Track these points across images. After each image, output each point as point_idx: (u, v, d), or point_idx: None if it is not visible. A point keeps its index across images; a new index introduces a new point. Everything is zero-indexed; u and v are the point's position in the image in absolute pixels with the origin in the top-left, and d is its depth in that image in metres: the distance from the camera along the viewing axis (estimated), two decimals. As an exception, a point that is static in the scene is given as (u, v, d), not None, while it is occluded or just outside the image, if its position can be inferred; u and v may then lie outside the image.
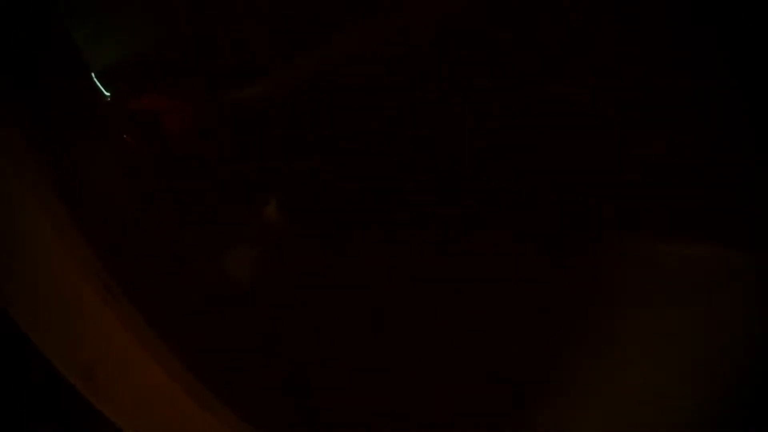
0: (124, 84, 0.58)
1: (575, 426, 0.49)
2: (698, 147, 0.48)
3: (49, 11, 0.52)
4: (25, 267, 0.37)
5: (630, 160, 0.50)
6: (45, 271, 0.38)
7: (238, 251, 0.58)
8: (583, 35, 0.49)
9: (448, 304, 0.53)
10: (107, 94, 0.58)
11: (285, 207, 0.59)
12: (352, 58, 0.56)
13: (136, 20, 0.58)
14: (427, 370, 0.52)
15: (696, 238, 0.48)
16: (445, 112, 0.53)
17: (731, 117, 0.46)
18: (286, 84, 0.58)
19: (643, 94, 0.49)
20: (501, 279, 0.52)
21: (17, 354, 0.36)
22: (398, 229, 0.55)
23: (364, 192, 0.56)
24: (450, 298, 0.53)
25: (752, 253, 0.46)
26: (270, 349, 0.51)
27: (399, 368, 0.52)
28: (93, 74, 0.58)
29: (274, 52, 0.57)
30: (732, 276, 0.46)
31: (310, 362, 0.51)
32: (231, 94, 0.58)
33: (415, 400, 0.50)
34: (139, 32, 0.58)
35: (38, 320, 0.36)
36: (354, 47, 0.56)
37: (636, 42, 0.47)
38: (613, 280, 0.50)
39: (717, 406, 0.45)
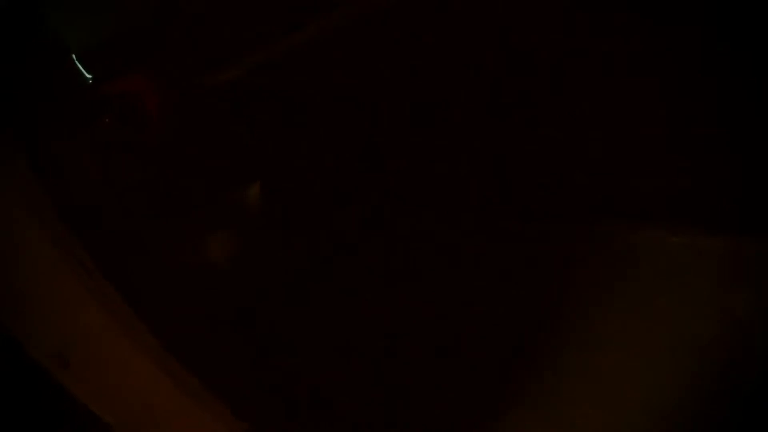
0: (102, 66, 0.57)
1: (554, 421, 0.48)
2: (669, 135, 0.48)
3: None
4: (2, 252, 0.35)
5: (601, 148, 0.50)
6: (19, 252, 0.36)
7: (218, 234, 0.57)
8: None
9: (424, 294, 0.52)
10: (89, 76, 0.57)
11: (264, 190, 0.58)
12: (328, 42, 0.55)
13: (114, 2, 0.57)
14: (407, 371, 0.51)
15: (669, 223, 0.48)
16: (418, 97, 0.53)
17: (706, 107, 0.46)
18: (264, 67, 0.57)
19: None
20: (475, 268, 0.51)
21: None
22: (378, 212, 0.54)
23: (344, 175, 0.55)
24: (427, 287, 0.52)
25: (726, 239, 0.46)
26: (250, 333, 0.50)
27: (374, 360, 0.51)
28: (74, 57, 0.57)
29: (253, 35, 0.56)
30: (705, 261, 0.45)
31: (289, 346, 0.50)
32: (210, 77, 0.57)
33: (396, 401, 0.50)
34: (118, 14, 0.57)
35: (9, 301, 0.34)
36: (330, 30, 0.55)
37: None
38: (588, 268, 0.49)
39: (697, 392, 0.44)
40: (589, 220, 0.50)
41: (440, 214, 0.54)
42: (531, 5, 0.49)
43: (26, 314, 0.35)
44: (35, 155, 0.46)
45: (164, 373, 0.37)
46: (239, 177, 0.57)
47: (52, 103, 0.53)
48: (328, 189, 0.55)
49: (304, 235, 0.55)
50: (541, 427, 0.46)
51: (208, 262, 0.55)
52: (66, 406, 0.35)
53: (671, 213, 0.48)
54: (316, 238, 0.55)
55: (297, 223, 0.56)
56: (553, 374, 0.48)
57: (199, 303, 0.48)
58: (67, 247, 0.39)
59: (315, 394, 0.50)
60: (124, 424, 0.33)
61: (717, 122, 0.46)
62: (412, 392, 0.49)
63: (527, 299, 0.50)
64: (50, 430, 0.36)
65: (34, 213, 0.39)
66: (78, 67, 0.57)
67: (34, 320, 0.35)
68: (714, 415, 0.43)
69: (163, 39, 0.57)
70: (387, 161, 0.56)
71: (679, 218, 0.47)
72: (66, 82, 0.56)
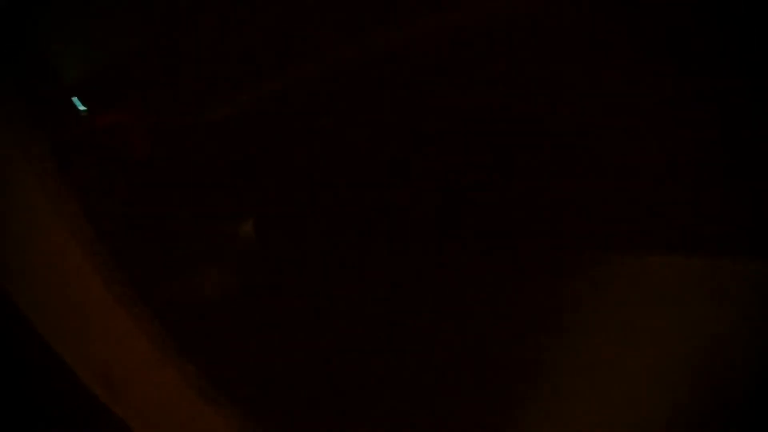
0: (95, 100, 0.57)
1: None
2: (676, 152, 0.49)
3: (22, 24, 0.51)
4: (41, 270, 0.37)
5: (608, 166, 0.51)
6: (60, 272, 0.38)
7: (210, 270, 0.59)
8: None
9: (440, 292, 0.55)
10: (83, 108, 0.57)
11: (258, 227, 0.60)
12: (326, 75, 0.56)
13: (108, 33, 0.58)
14: (412, 372, 0.53)
15: (649, 246, 0.50)
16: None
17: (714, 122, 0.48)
18: (260, 101, 0.58)
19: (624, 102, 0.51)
20: (482, 288, 0.54)
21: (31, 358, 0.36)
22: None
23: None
24: (442, 285, 0.55)
25: (706, 258, 0.48)
26: (267, 339, 0.52)
27: (394, 360, 0.53)
28: (67, 89, 0.57)
29: (248, 69, 0.57)
30: (688, 281, 0.48)
31: (306, 352, 0.52)
32: (204, 111, 0.58)
33: (404, 402, 0.52)
34: (112, 46, 0.58)
35: (54, 322, 0.36)
36: (329, 63, 0.56)
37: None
38: (574, 296, 0.51)
39: (689, 412, 0.46)
40: (572, 246, 0.52)
41: (436, 240, 0.56)
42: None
43: (72, 336, 0.37)
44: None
45: (197, 392, 0.39)
46: (232, 213, 0.59)
47: (55, 136, 0.53)
48: (323, 226, 0.57)
49: (298, 272, 0.57)
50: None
51: (202, 298, 0.56)
52: (105, 425, 0.37)
53: (651, 235, 0.50)
54: (309, 274, 0.57)
55: (290, 260, 0.58)
56: (545, 405, 0.50)
57: (226, 316, 0.51)
58: (106, 270, 0.41)
59: (321, 404, 0.52)
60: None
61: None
62: (425, 388, 0.52)
63: (516, 328, 0.52)
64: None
65: (74, 236, 0.41)
66: (72, 100, 0.57)
67: (80, 341, 0.37)
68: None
69: (155, 73, 0.58)
70: (384, 196, 0.57)
71: (659, 240, 0.49)
72: (59, 114, 0.56)
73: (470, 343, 0.52)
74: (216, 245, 0.59)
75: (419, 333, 0.53)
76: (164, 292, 0.47)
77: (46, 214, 0.40)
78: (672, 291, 0.48)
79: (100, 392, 0.36)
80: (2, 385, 0.35)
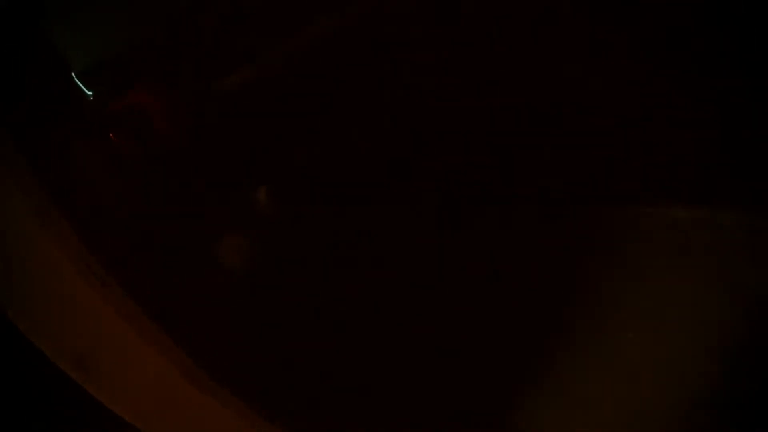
0: (105, 83, 0.57)
1: (570, 407, 0.49)
2: (678, 112, 0.48)
3: (28, 11, 0.51)
4: (16, 262, 0.36)
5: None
6: (35, 264, 0.37)
7: (230, 240, 0.57)
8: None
9: (441, 289, 0.54)
10: (89, 93, 0.58)
11: (275, 193, 0.59)
12: (338, 39, 0.55)
13: (115, 17, 0.58)
14: (420, 359, 0.52)
15: (683, 200, 0.49)
16: (436, 93, 0.54)
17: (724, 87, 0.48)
18: (271, 70, 0.57)
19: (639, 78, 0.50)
20: (483, 287, 0.53)
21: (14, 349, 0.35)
22: (391, 212, 0.55)
23: (355, 175, 0.56)
24: (443, 283, 0.54)
25: (741, 212, 0.47)
26: (268, 335, 0.50)
27: (394, 357, 0.52)
28: (74, 74, 0.57)
29: (258, 38, 0.57)
30: (722, 236, 0.47)
31: (307, 347, 0.51)
32: (215, 83, 0.57)
33: (406, 391, 0.50)
34: (119, 29, 0.58)
35: (29, 312, 0.35)
36: (340, 27, 0.56)
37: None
38: (600, 250, 0.51)
39: (715, 370, 0.45)
40: (599, 201, 0.51)
41: (452, 206, 0.55)
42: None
43: (45, 323, 0.36)
44: (47, 171, 0.46)
45: (184, 375, 0.38)
46: (251, 182, 0.58)
47: (58, 122, 0.53)
48: (337, 190, 0.57)
49: (318, 236, 0.56)
50: (557, 414, 0.48)
51: (219, 264, 0.55)
52: (88, 411, 0.35)
53: (682, 189, 0.49)
54: (325, 238, 0.56)
55: (305, 225, 0.57)
56: (567, 359, 0.49)
57: (214, 305, 0.49)
58: (79, 257, 0.40)
59: (336, 390, 0.50)
60: (147, 424, 0.34)
61: (726, 99, 0.47)
62: (427, 385, 0.50)
63: (539, 283, 0.51)
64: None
65: (46, 225, 0.40)
66: (78, 85, 0.57)
67: (53, 329, 0.36)
68: (732, 393, 0.44)
69: (171, 51, 0.58)
70: (399, 161, 0.56)
71: (690, 194, 0.48)
72: (66, 99, 0.56)
73: (471, 342, 0.51)
74: (230, 214, 0.58)
75: (420, 331, 0.52)
76: (152, 280, 0.46)
77: (18, 206, 0.39)
78: (700, 249, 0.47)
79: (80, 380, 0.34)
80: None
